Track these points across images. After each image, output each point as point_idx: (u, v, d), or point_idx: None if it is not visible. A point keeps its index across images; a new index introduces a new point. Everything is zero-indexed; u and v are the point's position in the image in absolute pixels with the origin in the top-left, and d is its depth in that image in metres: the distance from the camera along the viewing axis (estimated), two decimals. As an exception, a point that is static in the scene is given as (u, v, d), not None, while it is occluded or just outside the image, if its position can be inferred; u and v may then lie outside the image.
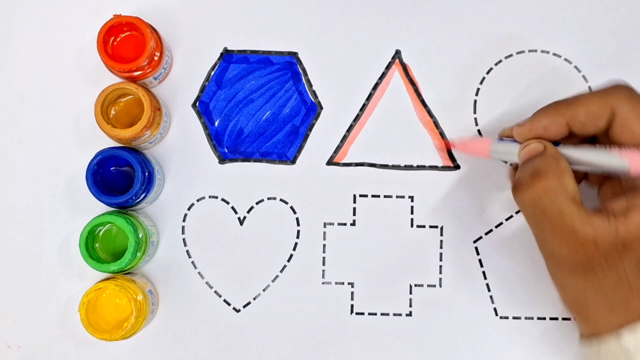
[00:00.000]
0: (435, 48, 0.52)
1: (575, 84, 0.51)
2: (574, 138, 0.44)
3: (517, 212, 0.51)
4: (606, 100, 0.40)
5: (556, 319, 0.50)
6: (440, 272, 0.51)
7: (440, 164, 0.51)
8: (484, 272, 0.51)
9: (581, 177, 0.47)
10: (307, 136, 0.51)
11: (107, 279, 0.48)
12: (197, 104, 0.52)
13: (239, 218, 0.51)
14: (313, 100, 0.52)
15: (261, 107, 0.52)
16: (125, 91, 0.47)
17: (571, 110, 0.41)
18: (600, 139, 0.43)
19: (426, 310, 0.51)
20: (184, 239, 0.51)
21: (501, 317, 0.51)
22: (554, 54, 0.51)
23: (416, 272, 0.51)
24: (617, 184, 0.44)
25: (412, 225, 0.51)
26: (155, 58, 0.48)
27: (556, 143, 0.43)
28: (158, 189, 0.50)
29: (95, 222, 0.47)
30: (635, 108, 0.39)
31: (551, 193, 0.39)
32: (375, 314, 0.51)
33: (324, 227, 0.51)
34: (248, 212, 0.51)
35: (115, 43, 0.49)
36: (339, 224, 0.51)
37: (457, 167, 0.51)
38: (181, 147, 0.51)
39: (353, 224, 0.51)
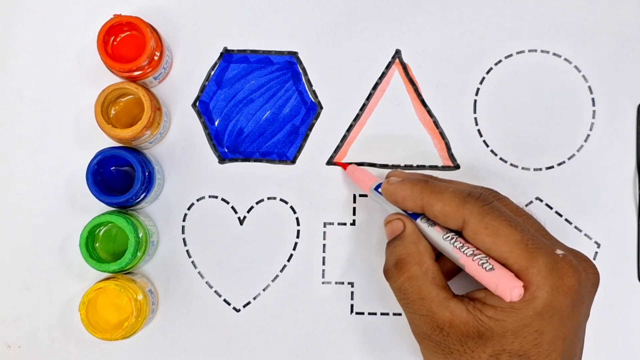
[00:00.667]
0: (435, 48, 0.52)
1: (575, 84, 0.51)
2: None
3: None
4: (459, 209, 0.41)
5: (556, 318, 0.50)
6: (440, 272, 0.51)
7: (440, 164, 0.51)
8: (483, 272, 0.51)
9: None
10: (307, 136, 0.51)
11: (108, 278, 0.48)
12: (197, 104, 0.52)
13: (239, 218, 0.51)
14: (313, 100, 0.52)
15: (261, 106, 0.52)
16: (125, 91, 0.47)
17: (431, 200, 0.42)
18: None
19: (426, 310, 0.51)
20: (184, 239, 0.51)
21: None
22: (554, 54, 0.51)
23: (416, 272, 0.51)
24: None
25: (412, 225, 0.51)
26: (155, 58, 0.48)
27: (418, 215, 0.44)
28: (158, 189, 0.50)
29: (96, 222, 0.47)
30: (483, 222, 0.40)
31: (412, 280, 0.42)
32: (375, 314, 0.51)
33: (324, 227, 0.51)
34: (248, 212, 0.51)
35: (115, 43, 0.49)
36: (339, 223, 0.51)
37: (457, 167, 0.51)
38: (181, 147, 0.51)
39: (353, 224, 0.51)
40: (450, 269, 0.46)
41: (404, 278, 0.42)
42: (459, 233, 0.42)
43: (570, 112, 0.51)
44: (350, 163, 0.51)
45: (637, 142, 0.51)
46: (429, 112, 0.52)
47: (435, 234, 0.43)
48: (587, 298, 0.41)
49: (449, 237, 0.42)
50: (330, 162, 0.51)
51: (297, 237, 0.51)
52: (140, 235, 0.47)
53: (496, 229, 0.40)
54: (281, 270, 0.51)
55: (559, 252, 0.40)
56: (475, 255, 0.40)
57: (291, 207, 0.51)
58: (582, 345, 0.43)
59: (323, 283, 0.51)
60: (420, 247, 0.43)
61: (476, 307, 0.40)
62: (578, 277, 0.39)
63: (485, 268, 0.39)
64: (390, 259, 0.44)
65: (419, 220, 0.44)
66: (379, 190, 0.47)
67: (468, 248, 0.41)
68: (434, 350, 0.42)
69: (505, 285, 0.38)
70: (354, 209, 0.51)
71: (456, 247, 0.41)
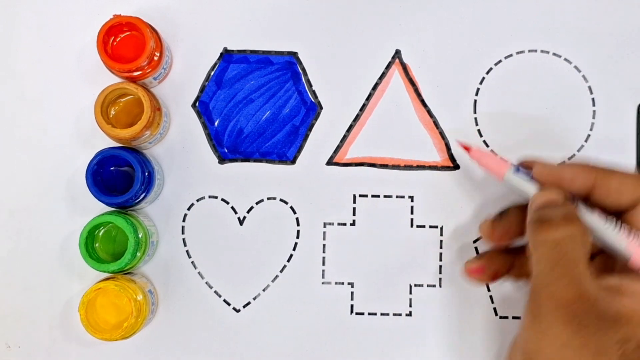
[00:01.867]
0: (435, 48, 0.52)
1: (575, 84, 0.51)
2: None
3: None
4: (638, 186, 0.40)
5: (556, 319, 0.50)
6: (440, 272, 0.51)
7: (440, 164, 0.51)
8: (484, 272, 0.51)
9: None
10: (307, 136, 0.51)
11: (107, 278, 0.48)
12: (197, 104, 0.52)
13: (238, 218, 0.51)
14: (313, 100, 0.52)
15: (261, 107, 0.52)
16: (125, 91, 0.47)
17: (606, 174, 0.41)
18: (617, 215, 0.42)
19: (426, 310, 0.51)
20: (183, 239, 0.51)
21: (501, 317, 0.51)
22: (554, 54, 0.51)
23: (416, 272, 0.51)
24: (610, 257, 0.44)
25: (412, 225, 0.51)
26: (155, 58, 0.48)
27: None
28: (158, 189, 0.50)
29: (95, 222, 0.47)
30: None
31: (576, 240, 0.39)
32: (375, 314, 0.51)
33: (324, 227, 0.51)
34: (248, 212, 0.51)
35: (115, 43, 0.49)
36: (339, 224, 0.51)
37: (457, 167, 0.51)
38: (181, 147, 0.51)
39: (353, 224, 0.51)
40: None
41: (570, 233, 0.39)
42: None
43: (570, 112, 0.51)
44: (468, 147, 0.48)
45: (637, 142, 0.51)
46: (429, 112, 0.52)
47: (596, 219, 0.40)
48: None
49: (612, 222, 0.40)
50: (330, 162, 0.51)
51: (297, 237, 0.51)
52: (140, 235, 0.47)
53: None
54: (281, 271, 0.51)
55: None
56: None
57: (291, 207, 0.51)
58: None
59: (323, 283, 0.51)
60: (585, 223, 0.40)
61: (612, 291, 0.39)
62: None
63: None
64: (557, 211, 0.40)
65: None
66: (520, 172, 0.44)
67: (636, 234, 0.38)
68: (565, 320, 0.39)
69: None
70: (354, 209, 0.51)
71: (623, 233, 0.39)
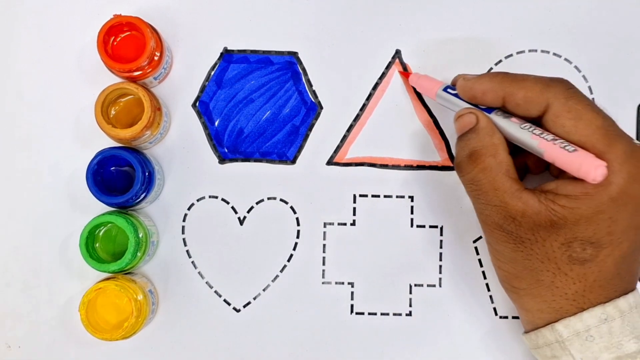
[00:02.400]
0: (435, 48, 0.52)
1: (576, 84, 0.51)
2: None
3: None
4: (544, 93, 0.41)
5: (556, 318, 0.50)
6: (440, 272, 0.51)
7: (440, 164, 0.51)
8: (483, 272, 0.51)
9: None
10: (307, 136, 0.51)
11: (108, 278, 0.48)
12: (197, 104, 0.52)
13: (239, 218, 0.51)
14: (313, 100, 0.52)
15: (261, 107, 0.52)
16: (125, 91, 0.47)
17: (513, 88, 0.42)
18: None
19: (426, 310, 0.51)
20: (184, 239, 0.51)
21: (501, 317, 0.51)
22: (554, 54, 0.51)
23: (416, 272, 0.51)
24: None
25: (412, 225, 0.51)
26: (156, 58, 0.48)
27: (492, 109, 0.44)
28: (158, 189, 0.50)
29: (96, 222, 0.47)
30: (567, 104, 0.40)
31: (486, 171, 0.42)
32: (375, 314, 0.51)
33: (324, 227, 0.51)
34: (248, 212, 0.51)
35: (115, 43, 0.49)
36: (339, 223, 0.51)
37: (457, 167, 0.51)
38: (181, 147, 0.51)
39: (353, 224, 0.51)
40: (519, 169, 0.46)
41: (478, 169, 0.42)
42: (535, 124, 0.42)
43: (570, 112, 0.51)
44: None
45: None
46: (429, 112, 0.52)
47: (512, 125, 0.42)
48: None
49: (526, 125, 0.41)
50: (330, 162, 0.51)
51: (297, 237, 0.51)
52: (140, 235, 0.47)
53: (579, 113, 0.40)
54: (281, 270, 0.51)
55: (637, 142, 0.40)
56: (556, 139, 0.40)
57: (291, 207, 0.51)
58: None
59: (323, 283, 0.51)
60: (494, 139, 0.42)
61: (548, 197, 0.40)
62: None
63: (568, 150, 0.39)
64: (462, 152, 0.43)
65: (493, 114, 0.43)
66: (448, 90, 0.46)
67: (547, 134, 0.40)
68: (504, 240, 0.42)
69: (589, 165, 0.38)
70: (354, 209, 0.51)
71: (535, 133, 0.41)
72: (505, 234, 0.42)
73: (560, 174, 0.44)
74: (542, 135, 0.40)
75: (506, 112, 0.43)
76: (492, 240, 0.43)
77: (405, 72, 0.51)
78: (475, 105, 0.45)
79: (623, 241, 0.40)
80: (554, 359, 0.42)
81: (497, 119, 0.43)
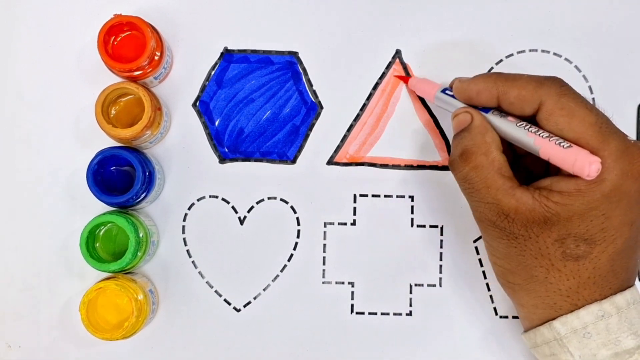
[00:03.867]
0: (435, 48, 0.52)
1: (576, 83, 0.51)
2: None
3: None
4: (537, 91, 0.41)
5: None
6: (440, 272, 0.51)
7: (440, 164, 0.51)
8: (484, 272, 0.51)
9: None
10: (307, 136, 0.52)
11: (108, 278, 0.48)
12: (198, 104, 0.52)
13: (239, 218, 0.51)
14: (313, 99, 0.52)
15: (261, 106, 0.52)
16: (125, 91, 0.47)
17: (506, 87, 0.43)
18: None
19: (426, 310, 0.51)
20: (184, 239, 0.51)
21: (501, 317, 0.51)
22: (555, 54, 0.51)
23: (416, 272, 0.51)
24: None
25: (412, 225, 0.51)
26: (156, 58, 0.48)
27: (488, 109, 0.44)
28: (158, 189, 0.50)
29: (96, 221, 0.47)
30: (560, 102, 0.40)
31: (478, 169, 0.42)
32: (375, 314, 0.51)
33: (324, 226, 0.51)
34: (248, 211, 0.51)
35: (115, 43, 0.49)
36: (339, 223, 0.51)
37: (457, 166, 0.51)
38: (181, 147, 0.51)
39: (353, 223, 0.51)
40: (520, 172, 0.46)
41: (470, 167, 0.42)
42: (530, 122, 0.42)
43: (570, 112, 0.51)
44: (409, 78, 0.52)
45: (637, 142, 0.51)
46: (430, 112, 0.52)
47: (508, 124, 0.42)
48: None
49: (522, 124, 0.42)
50: (330, 162, 0.51)
51: (298, 237, 0.51)
52: (141, 235, 0.47)
53: (572, 110, 0.40)
54: (281, 270, 0.51)
55: (630, 138, 0.40)
56: (551, 137, 0.40)
57: (291, 207, 0.51)
58: None
59: (323, 283, 0.51)
60: (487, 137, 0.43)
61: (542, 194, 0.40)
62: None
63: (563, 146, 0.39)
64: (455, 150, 0.44)
65: (490, 114, 0.44)
66: (446, 92, 0.47)
67: (543, 131, 0.41)
68: (498, 236, 0.42)
69: (583, 161, 0.38)
70: (354, 209, 0.51)
71: (531, 131, 0.41)
72: (499, 231, 0.42)
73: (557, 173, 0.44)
74: (537, 133, 0.41)
75: (503, 112, 0.44)
76: (487, 237, 0.44)
77: (403, 76, 0.51)
78: (473, 107, 0.45)
79: (617, 238, 0.40)
80: (552, 356, 0.42)
81: (493, 118, 0.43)
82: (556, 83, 0.42)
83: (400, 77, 0.51)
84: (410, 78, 0.51)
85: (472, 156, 0.42)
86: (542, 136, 0.40)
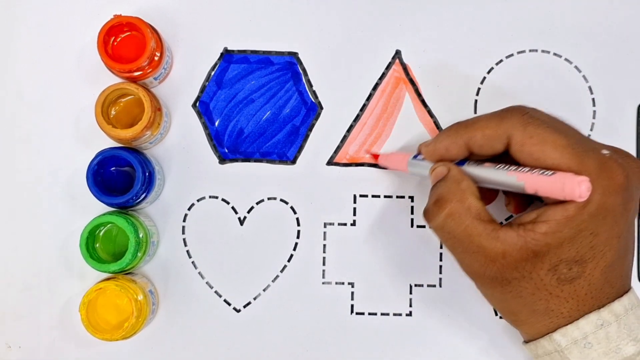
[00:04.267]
0: (435, 48, 0.52)
1: (576, 83, 0.51)
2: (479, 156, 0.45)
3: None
4: (500, 126, 0.41)
5: (556, 318, 0.50)
6: (440, 272, 0.51)
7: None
8: (484, 272, 0.51)
9: (496, 192, 0.49)
10: (307, 136, 0.52)
11: (108, 279, 0.48)
12: (198, 104, 0.52)
13: (239, 218, 0.51)
14: (313, 100, 0.52)
15: (261, 107, 0.52)
16: (125, 91, 0.47)
17: (469, 133, 0.43)
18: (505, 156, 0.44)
19: (426, 310, 0.51)
20: (184, 239, 0.51)
21: (501, 317, 0.51)
22: (555, 54, 0.51)
23: (416, 272, 0.51)
24: (527, 199, 0.47)
25: (412, 225, 0.51)
26: (156, 58, 0.48)
27: (465, 161, 0.44)
28: (158, 189, 0.50)
29: (96, 222, 0.47)
30: (527, 131, 0.40)
31: (455, 216, 0.41)
32: (375, 314, 0.51)
33: (324, 227, 0.51)
34: (248, 212, 0.51)
35: (115, 43, 0.49)
36: (339, 224, 0.51)
37: (457, 167, 0.51)
38: (181, 147, 0.51)
39: (353, 224, 0.51)
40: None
41: (445, 214, 0.41)
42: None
43: (570, 112, 0.51)
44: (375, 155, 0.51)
45: (637, 142, 0.51)
46: (429, 112, 0.52)
47: (486, 169, 0.42)
48: (635, 194, 0.41)
49: (501, 166, 0.41)
50: (330, 162, 0.51)
51: (298, 237, 0.51)
52: (141, 235, 0.47)
53: (542, 137, 0.40)
54: (281, 271, 0.51)
55: (604, 152, 0.40)
56: (532, 169, 0.40)
57: (291, 208, 0.51)
58: (634, 239, 0.43)
59: (323, 283, 0.51)
60: (462, 185, 0.42)
61: (527, 229, 0.40)
62: (625, 174, 0.39)
63: (547, 174, 0.39)
64: (430, 199, 0.43)
65: (466, 165, 0.43)
66: (417, 158, 0.46)
67: (523, 168, 0.40)
68: (491, 285, 0.42)
69: (572, 183, 0.37)
70: (354, 209, 0.51)
71: (511, 170, 0.40)
72: (490, 281, 0.41)
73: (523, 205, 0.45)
74: (518, 170, 0.40)
75: (478, 160, 0.43)
76: (481, 288, 0.43)
77: (373, 154, 0.51)
78: None
79: (606, 252, 0.40)
80: None
81: (470, 168, 0.43)
82: (517, 113, 0.41)
83: (373, 155, 0.51)
84: (380, 156, 0.51)
85: (446, 203, 0.42)
86: (524, 171, 0.40)
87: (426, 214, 0.43)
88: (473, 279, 0.43)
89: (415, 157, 0.47)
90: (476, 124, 0.42)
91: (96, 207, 0.49)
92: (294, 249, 0.51)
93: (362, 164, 0.51)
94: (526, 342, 0.44)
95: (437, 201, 0.42)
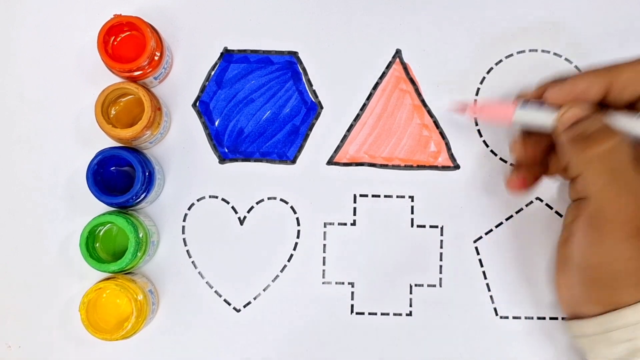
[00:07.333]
0: (435, 48, 0.52)
1: (576, 83, 0.51)
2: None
3: (517, 212, 0.51)
4: None
5: (556, 318, 0.50)
6: (440, 272, 0.51)
7: (440, 164, 0.51)
8: (484, 272, 0.51)
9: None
10: (307, 136, 0.51)
11: (108, 278, 0.48)
12: (198, 104, 0.52)
13: (239, 218, 0.51)
14: (313, 99, 0.52)
15: (261, 106, 0.52)
16: (125, 91, 0.47)
17: (613, 72, 0.41)
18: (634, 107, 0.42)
19: (426, 310, 0.51)
20: (184, 239, 0.51)
21: (501, 317, 0.51)
22: (555, 54, 0.51)
23: (416, 272, 0.51)
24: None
25: (412, 225, 0.51)
26: (156, 58, 0.48)
27: None
28: (158, 189, 0.50)
29: (96, 222, 0.47)
30: None
31: (621, 149, 0.39)
32: (375, 314, 0.51)
33: (324, 227, 0.51)
34: (248, 212, 0.51)
35: (115, 43, 0.49)
36: (339, 223, 0.51)
37: (457, 167, 0.51)
38: (181, 147, 0.51)
39: (353, 224, 0.51)
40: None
41: (613, 145, 0.38)
42: None
43: (570, 112, 0.51)
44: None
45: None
46: (429, 112, 0.52)
47: (625, 119, 0.40)
48: None
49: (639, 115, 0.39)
50: (330, 162, 0.51)
51: (298, 237, 0.51)
52: (141, 235, 0.47)
53: None
54: (281, 270, 0.51)
55: None
56: None
57: (291, 207, 0.51)
58: None
59: (323, 283, 0.51)
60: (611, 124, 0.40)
61: None
62: None
63: None
64: (593, 125, 0.40)
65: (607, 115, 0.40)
66: (527, 106, 0.43)
67: None
68: (631, 235, 0.39)
69: None
70: (354, 209, 0.51)
71: None
72: (635, 229, 0.39)
73: None
74: None
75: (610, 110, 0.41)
76: (617, 235, 0.39)
77: (461, 106, 0.48)
78: None
79: None
80: (628, 342, 0.39)
81: (615, 118, 0.40)
82: None
83: (459, 108, 0.48)
84: (471, 106, 0.47)
85: (614, 133, 0.39)
86: None
87: (588, 140, 0.39)
88: (613, 228, 0.39)
89: (524, 104, 0.44)
90: (619, 67, 0.40)
91: (96, 207, 0.49)
92: (294, 249, 0.51)
93: (362, 164, 0.51)
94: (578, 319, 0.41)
95: (603, 130, 0.39)
